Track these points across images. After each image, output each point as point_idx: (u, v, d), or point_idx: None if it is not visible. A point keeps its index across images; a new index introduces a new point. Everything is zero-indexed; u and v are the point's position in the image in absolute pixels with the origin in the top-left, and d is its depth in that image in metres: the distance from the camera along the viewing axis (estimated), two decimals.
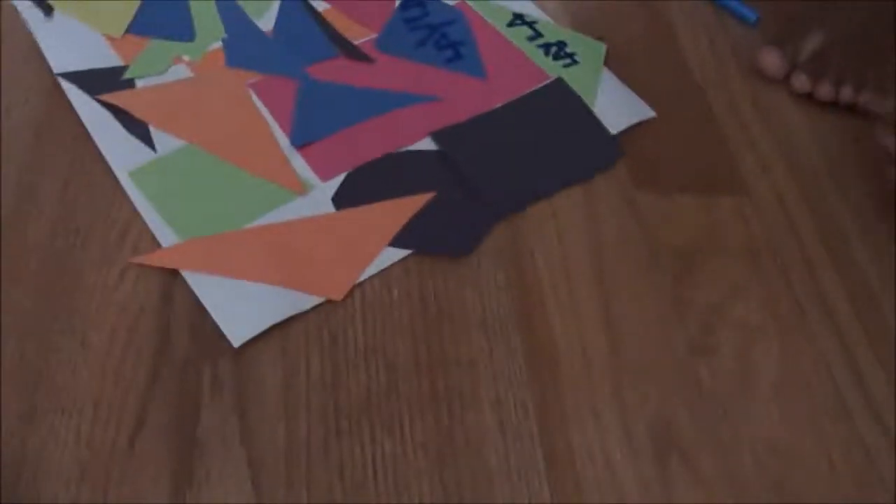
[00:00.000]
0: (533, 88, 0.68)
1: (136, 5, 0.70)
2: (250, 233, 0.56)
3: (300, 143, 0.61)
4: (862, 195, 0.63)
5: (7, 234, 0.56)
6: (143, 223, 0.57)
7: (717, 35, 0.76)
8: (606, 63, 0.71)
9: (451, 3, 0.75)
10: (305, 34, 0.69)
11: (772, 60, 0.71)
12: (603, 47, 0.72)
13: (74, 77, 0.64)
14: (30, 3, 0.69)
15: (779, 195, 0.64)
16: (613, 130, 0.66)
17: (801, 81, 0.70)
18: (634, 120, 0.67)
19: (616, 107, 0.68)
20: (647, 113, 0.68)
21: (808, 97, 0.69)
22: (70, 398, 0.49)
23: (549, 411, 0.51)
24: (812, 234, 0.62)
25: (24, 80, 0.65)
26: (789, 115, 0.70)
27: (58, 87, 0.64)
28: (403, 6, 0.73)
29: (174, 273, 0.55)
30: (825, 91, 0.69)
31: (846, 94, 0.68)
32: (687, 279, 0.58)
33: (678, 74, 0.73)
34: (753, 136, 0.68)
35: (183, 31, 0.68)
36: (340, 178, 0.60)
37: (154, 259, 0.55)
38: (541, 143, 0.64)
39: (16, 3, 0.70)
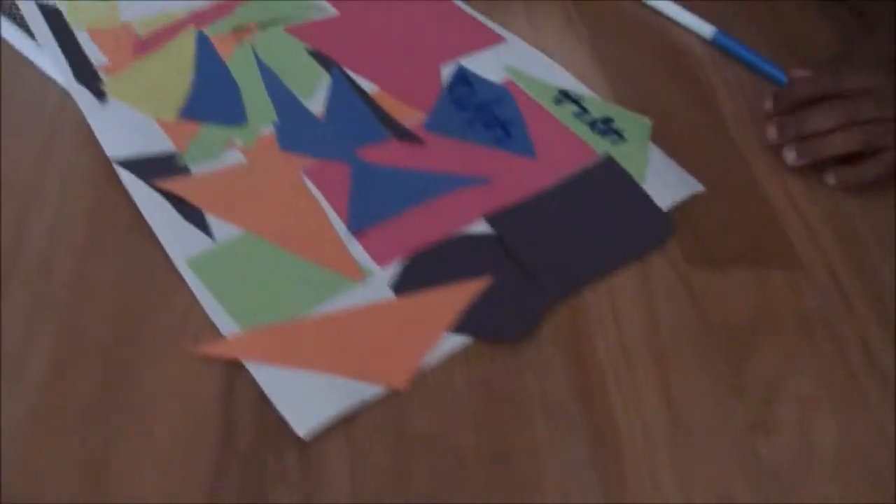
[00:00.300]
0: (583, 167, 0.68)
1: (186, 90, 0.69)
2: (311, 322, 0.56)
3: (357, 230, 0.61)
4: None
5: (66, 325, 0.56)
6: (203, 312, 0.57)
7: (756, 101, 0.76)
8: (652, 137, 0.71)
9: (497, 80, 0.74)
10: (356, 116, 0.70)
11: (770, 136, 0.71)
12: (648, 122, 0.73)
13: (129, 164, 0.64)
14: (83, 87, 0.69)
15: (830, 267, 0.64)
16: (664, 207, 0.66)
17: (790, 157, 0.70)
18: (684, 195, 0.68)
19: (665, 182, 0.68)
20: (696, 187, 0.69)
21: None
22: (135, 493, 0.49)
23: (612, 493, 0.51)
24: (865, 304, 0.62)
25: (78, 166, 0.66)
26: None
27: (113, 173, 0.64)
28: (451, 86, 0.74)
29: (236, 363, 0.55)
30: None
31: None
32: (743, 355, 0.58)
33: (722, 144, 0.73)
34: (801, 206, 0.68)
35: (234, 114, 0.68)
36: (398, 263, 0.60)
37: (216, 350, 0.55)
38: (594, 222, 0.65)
39: (68, 87, 0.69)
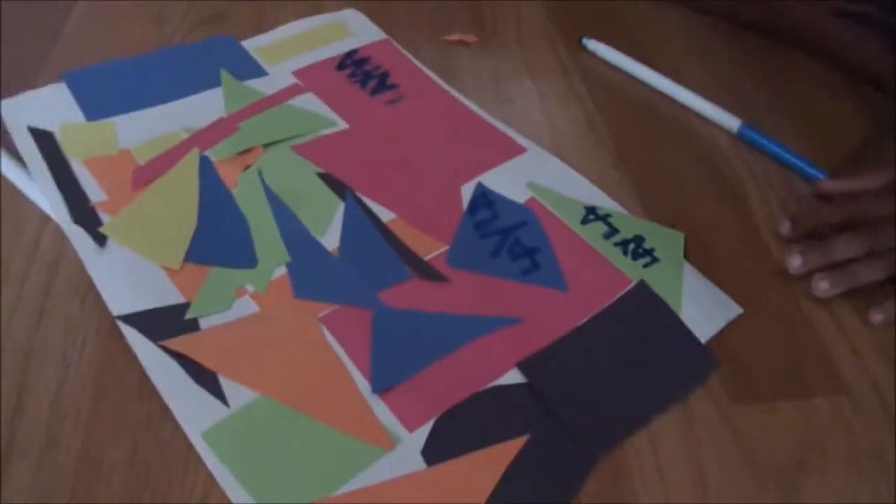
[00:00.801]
0: (616, 297, 0.64)
1: (191, 230, 0.65)
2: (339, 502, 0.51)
3: (382, 388, 0.57)
4: None
5: None
6: (222, 492, 0.52)
7: (790, 202, 0.75)
8: (685, 253, 0.68)
9: (520, 199, 0.71)
10: (374, 252, 0.66)
11: (794, 265, 0.68)
12: (681, 238, 0.69)
13: (134, 319, 0.60)
14: (81, 229, 0.65)
15: (876, 389, 0.61)
16: (703, 337, 0.62)
17: (822, 287, 0.66)
18: (723, 322, 0.63)
19: (703, 308, 0.64)
20: (735, 310, 0.65)
21: None
22: None
23: None
24: None
25: (81, 320, 0.62)
26: (874, 293, 0.66)
27: (117, 327, 0.60)
28: (472, 209, 0.70)
29: None
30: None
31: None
32: (792, 495, 0.55)
33: (758, 255, 0.70)
34: (843, 324, 0.65)
35: (244, 256, 0.64)
36: (428, 426, 0.56)
37: None
38: (631, 361, 0.60)
39: (66, 228, 0.66)
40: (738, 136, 0.80)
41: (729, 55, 0.92)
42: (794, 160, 0.77)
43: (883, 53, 0.82)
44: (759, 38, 0.93)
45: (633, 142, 0.80)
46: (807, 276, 0.67)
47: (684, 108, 0.84)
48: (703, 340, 0.62)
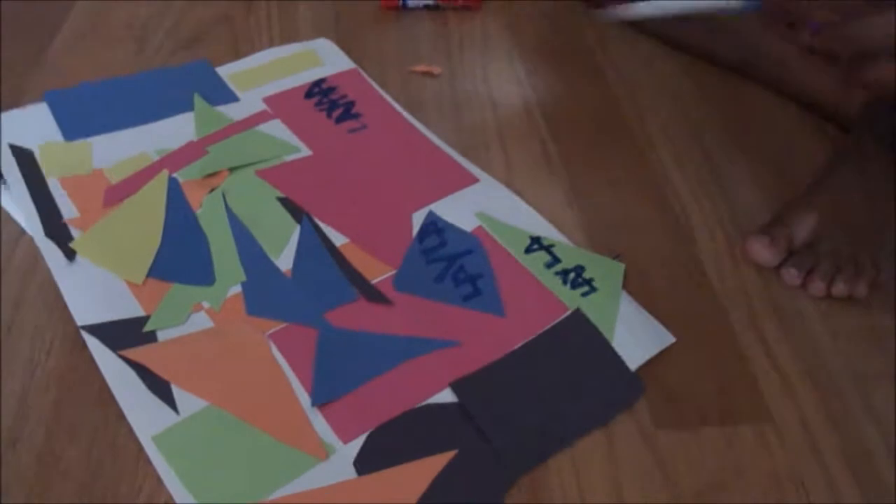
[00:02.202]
0: (551, 323, 0.68)
1: (155, 248, 0.70)
2: None
3: (321, 402, 0.61)
4: (891, 412, 0.63)
5: (30, 502, 0.56)
6: (168, 490, 0.57)
7: (738, 241, 0.77)
8: (625, 282, 0.71)
9: (468, 228, 0.75)
10: (324, 275, 0.70)
11: (759, 250, 0.72)
12: (621, 269, 0.73)
13: (97, 330, 0.65)
14: (52, 244, 0.70)
15: (802, 418, 0.63)
16: (633, 365, 0.65)
17: (790, 276, 0.71)
18: (654, 351, 0.67)
19: (636, 337, 0.67)
20: (667, 339, 0.68)
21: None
22: None
23: None
24: (836, 456, 0.61)
25: (48, 328, 0.66)
26: (811, 325, 0.70)
27: (81, 336, 0.65)
28: (421, 236, 0.74)
29: None
30: (816, 287, 0.70)
31: (839, 290, 0.69)
32: None
33: (697, 286, 0.73)
34: (775, 354, 0.68)
35: (203, 275, 0.69)
36: (361, 438, 0.60)
37: None
38: (560, 386, 0.64)
39: (38, 241, 0.70)
40: None
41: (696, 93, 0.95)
42: None
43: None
44: (726, 75, 0.96)
45: (588, 177, 0.84)
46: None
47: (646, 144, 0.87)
48: (633, 367, 0.65)
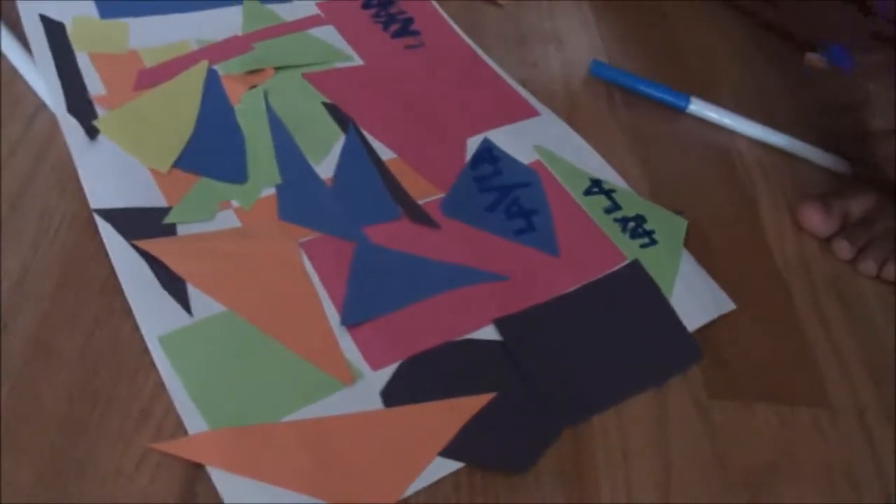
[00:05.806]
0: (607, 272, 0.62)
1: (185, 138, 0.63)
2: (287, 429, 0.50)
3: (352, 323, 0.55)
4: None
5: (17, 392, 0.51)
6: (170, 399, 0.51)
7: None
8: (686, 241, 0.66)
9: (525, 161, 0.68)
10: (367, 188, 0.64)
11: (811, 218, 0.69)
12: (684, 224, 0.67)
13: (111, 215, 0.58)
14: (74, 120, 0.62)
15: (858, 407, 0.59)
16: (691, 327, 0.60)
17: (842, 248, 0.68)
18: (713, 315, 0.61)
19: (695, 298, 0.62)
20: (727, 305, 0.63)
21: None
22: None
23: None
24: (888, 451, 0.57)
25: (58, 208, 0.60)
26: (872, 308, 0.66)
27: (93, 221, 0.58)
28: (475, 162, 0.68)
29: (199, 465, 0.48)
30: (867, 267, 0.66)
31: (890, 273, 0.65)
32: (758, 499, 0.53)
33: (759, 256, 0.68)
34: (834, 336, 0.63)
35: (234, 171, 0.62)
36: (392, 367, 0.54)
37: (176, 449, 0.49)
38: (613, 339, 0.58)
39: (59, 116, 0.64)
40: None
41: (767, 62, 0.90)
42: (649, 90, 0.79)
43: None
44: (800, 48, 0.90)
45: (650, 126, 0.79)
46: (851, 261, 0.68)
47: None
48: (690, 329, 0.60)
